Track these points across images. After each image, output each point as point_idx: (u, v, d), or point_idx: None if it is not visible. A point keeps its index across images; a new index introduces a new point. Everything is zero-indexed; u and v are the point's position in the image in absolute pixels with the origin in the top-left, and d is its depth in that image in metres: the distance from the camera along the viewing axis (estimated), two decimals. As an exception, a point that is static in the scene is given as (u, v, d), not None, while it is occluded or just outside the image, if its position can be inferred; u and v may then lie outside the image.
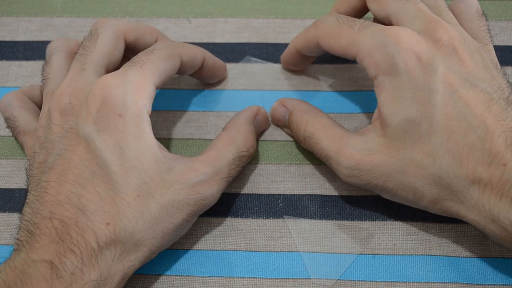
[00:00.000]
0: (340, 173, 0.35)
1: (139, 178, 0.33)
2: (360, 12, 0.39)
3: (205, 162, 0.35)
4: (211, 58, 0.40)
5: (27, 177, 0.35)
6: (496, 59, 0.35)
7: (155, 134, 0.41)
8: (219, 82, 0.43)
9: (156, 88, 0.35)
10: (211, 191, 0.35)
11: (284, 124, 0.40)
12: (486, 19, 0.37)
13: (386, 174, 0.34)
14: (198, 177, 0.34)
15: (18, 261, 0.31)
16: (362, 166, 0.34)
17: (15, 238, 0.33)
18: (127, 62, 0.35)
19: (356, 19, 0.36)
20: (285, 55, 0.41)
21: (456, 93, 0.32)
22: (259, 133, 0.40)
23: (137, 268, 0.33)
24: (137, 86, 0.33)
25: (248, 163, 0.40)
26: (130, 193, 0.32)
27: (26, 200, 0.34)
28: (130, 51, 0.38)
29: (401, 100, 0.33)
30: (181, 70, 0.38)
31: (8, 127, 0.39)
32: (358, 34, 0.35)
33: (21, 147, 0.40)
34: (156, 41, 0.39)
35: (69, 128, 0.34)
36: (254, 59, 0.43)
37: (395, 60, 0.33)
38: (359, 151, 0.34)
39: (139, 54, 0.36)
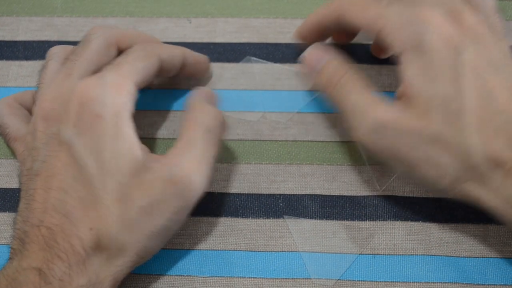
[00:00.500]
0: (362, 128, 0.34)
1: (117, 180, 0.32)
2: None
3: (176, 153, 0.34)
4: (191, 56, 0.40)
5: (19, 184, 0.35)
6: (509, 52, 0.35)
7: (155, 134, 0.41)
8: (218, 81, 0.43)
9: (138, 88, 0.35)
10: (190, 179, 0.33)
11: (313, 70, 0.38)
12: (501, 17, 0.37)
13: (413, 142, 0.33)
14: (171, 169, 0.33)
15: (11, 269, 0.31)
16: (391, 125, 0.33)
17: (9, 247, 0.33)
18: (105, 65, 0.35)
19: None
20: (301, 26, 0.41)
21: (482, 77, 0.32)
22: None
23: (127, 273, 0.33)
24: (115, 85, 0.33)
25: (248, 163, 0.40)
26: (109, 197, 0.32)
27: (18, 208, 0.34)
28: None
29: (430, 76, 0.33)
30: (163, 70, 0.37)
31: None
32: (385, 9, 0.34)
33: (13, 153, 0.40)
34: None
35: (52, 134, 0.34)
36: (255, 58, 0.43)
37: (423, 38, 0.33)
38: (390, 112, 0.34)
39: (117, 57, 0.36)
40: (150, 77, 0.36)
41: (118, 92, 0.33)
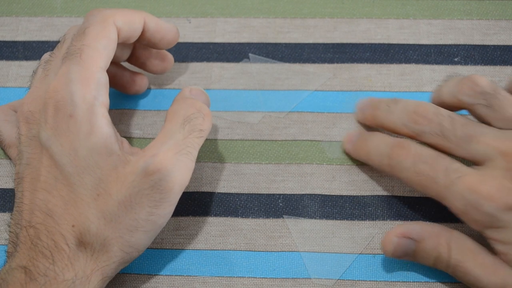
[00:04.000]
0: None
1: (94, 176, 0.32)
2: None
3: (154, 145, 0.33)
4: (153, 20, 0.37)
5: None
6: None
7: (155, 134, 0.41)
8: (218, 81, 0.43)
9: (105, 71, 0.34)
10: (167, 170, 0.32)
11: (407, 256, 0.35)
12: None
13: None
14: (146, 161, 0.32)
15: (2, 271, 0.32)
16: None
17: (5, 251, 0.33)
18: (64, 54, 0.34)
19: (437, 166, 0.34)
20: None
21: None
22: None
23: (116, 268, 0.33)
24: (81, 80, 0.33)
25: (247, 163, 0.40)
26: (88, 193, 0.32)
27: (12, 212, 0.34)
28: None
29: None
30: (121, 38, 0.36)
31: None
32: (445, 191, 0.33)
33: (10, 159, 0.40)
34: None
35: (32, 137, 0.34)
36: (254, 55, 0.43)
37: (496, 218, 0.32)
38: None
39: (72, 40, 0.35)
40: (114, 50, 0.35)
41: (85, 87, 0.33)
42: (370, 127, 0.40)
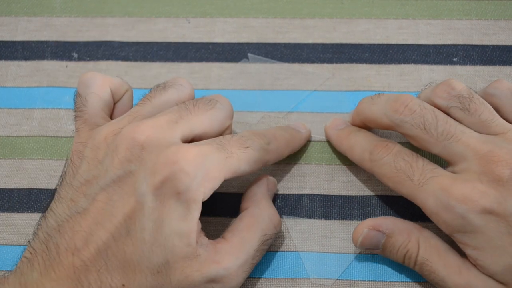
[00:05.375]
0: None
1: (164, 256, 0.31)
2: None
3: (229, 253, 0.32)
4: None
5: (62, 179, 0.34)
6: None
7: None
8: (217, 81, 0.43)
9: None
10: (231, 283, 0.32)
11: (376, 250, 0.35)
12: None
13: None
14: (218, 272, 0.32)
15: (30, 281, 0.31)
16: None
17: (29, 246, 0.32)
18: (216, 138, 0.33)
19: (415, 164, 0.34)
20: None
21: None
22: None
23: None
24: (209, 175, 0.32)
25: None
26: (150, 266, 0.31)
27: (48, 213, 0.33)
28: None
29: (492, 250, 0.32)
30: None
31: (75, 103, 0.37)
32: (418, 189, 0.33)
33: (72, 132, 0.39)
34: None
35: (128, 171, 0.32)
36: (253, 55, 0.43)
37: (467, 221, 0.32)
38: None
39: (231, 138, 0.34)
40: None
41: (207, 183, 0.32)
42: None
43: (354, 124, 0.39)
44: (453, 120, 0.34)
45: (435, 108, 0.35)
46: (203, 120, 0.34)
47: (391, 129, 0.36)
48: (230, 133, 0.36)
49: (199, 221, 0.32)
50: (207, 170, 0.32)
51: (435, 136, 0.34)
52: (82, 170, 0.33)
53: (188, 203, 0.31)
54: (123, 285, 0.31)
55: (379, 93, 0.37)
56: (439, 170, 0.33)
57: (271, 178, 0.38)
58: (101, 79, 0.37)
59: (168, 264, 0.31)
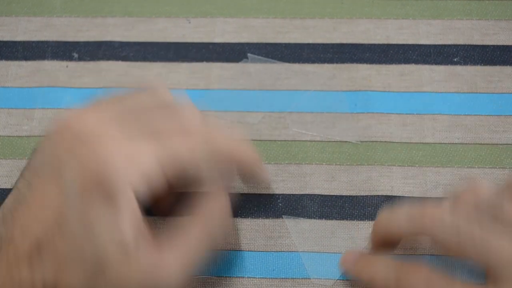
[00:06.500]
0: None
1: (96, 258, 0.29)
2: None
3: (171, 253, 0.31)
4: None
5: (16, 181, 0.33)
6: None
7: (154, 134, 0.41)
8: (217, 81, 0.43)
9: None
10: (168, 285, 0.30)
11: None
12: None
13: None
14: (158, 284, 0.30)
15: None
16: None
17: None
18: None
19: None
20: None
21: None
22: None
23: None
24: (140, 166, 0.30)
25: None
26: (84, 267, 0.29)
27: (2, 205, 0.32)
28: None
29: None
30: None
31: None
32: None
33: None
34: None
35: (59, 160, 0.30)
36: (253, 55, 0.43)
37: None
38: None
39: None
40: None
41: (138, 175, 0.30)
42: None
43: (374, 244, 0.36)
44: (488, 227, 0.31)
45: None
46: None
47: (417, 235, 0.34)
48: None
49: (144, 221, 0.30)
50: (137, 161, 0.30)
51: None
52: (34, 155, 0.32)
53: (113, 198, 0.29)
54: (56, 282, 0.30)
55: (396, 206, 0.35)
56: None
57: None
58: None
59: (100, 266, 0.29)
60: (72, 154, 0.30)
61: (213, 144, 0.33)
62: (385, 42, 0.44)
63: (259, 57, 0.44)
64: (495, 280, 0.30)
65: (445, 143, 0.40)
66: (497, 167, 0.39)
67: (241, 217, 0.38)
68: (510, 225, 0.30)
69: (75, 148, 0.30)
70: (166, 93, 0.33)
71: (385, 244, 0.35)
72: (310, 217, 0.38)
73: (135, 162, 0.30)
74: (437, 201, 0.32)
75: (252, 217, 0.38)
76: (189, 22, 0.45)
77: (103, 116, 0.31)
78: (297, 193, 0.39)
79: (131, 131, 0.31)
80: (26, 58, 0.44)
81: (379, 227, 0.35)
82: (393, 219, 0.33)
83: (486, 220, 0.31)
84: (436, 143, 0.40)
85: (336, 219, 0.38)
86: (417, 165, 0.39)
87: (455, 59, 0.43)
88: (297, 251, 0.37)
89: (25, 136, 0.41)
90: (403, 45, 0.44)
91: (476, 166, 0.39)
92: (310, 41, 0.44)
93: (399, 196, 0.38)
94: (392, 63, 0.43)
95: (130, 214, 0.29)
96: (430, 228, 0.32)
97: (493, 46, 0.43)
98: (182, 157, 0.31)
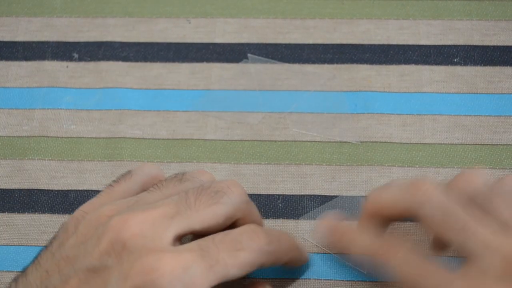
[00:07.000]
0: None
1: None
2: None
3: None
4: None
5: (49, 243, 0.32)
6: None
7: (155, 134, 0.41)
8: (217, 82, 0.43)
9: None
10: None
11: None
12: None
13: None
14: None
15: None
16: None
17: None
18: (203, 242, 0.30)
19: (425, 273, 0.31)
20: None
21: None
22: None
23: None
24: (189, 287, 0.28)
25: (247, 163, 0.40)
26: None
27: (20, 277, 0.30)
28: None
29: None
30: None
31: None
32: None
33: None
34: None
35: (104, 265, 0.29)
36: (253, 56, 0.43)
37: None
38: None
39: (223, 239, 0.30)
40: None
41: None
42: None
43: (364, 218, 0.35)
44: (472, 213, 0.31)
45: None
46: (204, 217, 0.31)
47: (406, 216, 0.33)
48: (245, 217, 0.33)
49: None
50: (186, 282, 0.28)
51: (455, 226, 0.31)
52: (69, 243, 0.31)
53: None
54: None
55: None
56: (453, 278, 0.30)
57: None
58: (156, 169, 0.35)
59: None
60: (120, 262, 0.29)
61: (273, 255, 0.32)
62: (385, 42, 0.44)
63: (259, 57, 0.44)
64: (470, 265, 0.30)
65: (445, 144, 0.40)
66: (497, 167, 0.39)
67: (241, 218, 0.38)
68: (495, 219, 0.30)
69: (123, 256, 0.29)
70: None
71: (374, 221, 0.34)
72: (310, 217, 0.38)
73: (184, 280, 0.28)
74: (433, 181, 0.32)
75: (252, 218, 0.38)
76: (190, 23, 0.45)
77: (151, 218, 0.30)
78: (297, 193, 0.39)
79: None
80: (26, 58, 0.44)
81: (372, 197, 0.34)
82: (388, 190, 0.34)
83: (473, 208, 0.31)
84: (436, 143, 0.40)
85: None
86: (417, 166, 0.39)
87: (455, 60, 0.43)
88: (297, 252, 0.37)
89: (25, 136, 0.41)
90: (403, 45, 0.44)
91: (476, 167, 0.39)
92: (310, 41, 0.44)
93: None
94: (392, 64, 0.43)
95: None
96: (419, 202, 0.32)
97: (493, 46, 0.43)
98: (232, 275, 0.30)
